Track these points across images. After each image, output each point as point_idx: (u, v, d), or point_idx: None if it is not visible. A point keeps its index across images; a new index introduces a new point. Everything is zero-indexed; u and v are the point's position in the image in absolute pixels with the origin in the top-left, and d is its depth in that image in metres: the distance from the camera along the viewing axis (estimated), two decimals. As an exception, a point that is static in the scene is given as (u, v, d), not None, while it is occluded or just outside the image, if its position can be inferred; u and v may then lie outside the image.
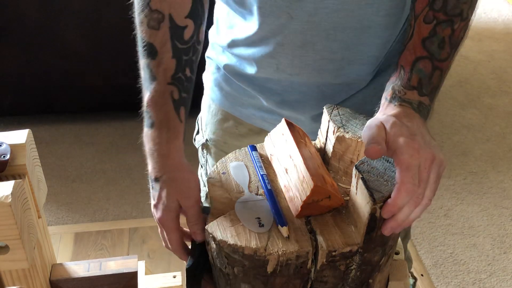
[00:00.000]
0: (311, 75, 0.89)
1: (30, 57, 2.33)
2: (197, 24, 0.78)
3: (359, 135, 0.72)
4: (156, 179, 0.73)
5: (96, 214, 2.10)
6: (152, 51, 0.75)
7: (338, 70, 0.88)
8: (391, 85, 0.73)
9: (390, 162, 0.66)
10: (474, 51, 3.35)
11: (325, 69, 0.88)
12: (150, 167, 0.75)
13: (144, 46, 0.76)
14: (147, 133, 0.76)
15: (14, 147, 0.83)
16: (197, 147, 1.12)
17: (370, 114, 0.75)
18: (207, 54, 1.04)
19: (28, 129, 0.88)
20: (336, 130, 0.74)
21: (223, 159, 0.77)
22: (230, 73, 0.97)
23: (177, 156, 0.73)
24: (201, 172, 1.16)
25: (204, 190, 1.11)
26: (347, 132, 0.73)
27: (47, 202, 1.97)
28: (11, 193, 0.75)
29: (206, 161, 1.12)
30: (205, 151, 1.11)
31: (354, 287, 0.69)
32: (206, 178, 1.12)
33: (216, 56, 0.99)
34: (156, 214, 0.73)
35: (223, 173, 0.74)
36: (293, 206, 0.68)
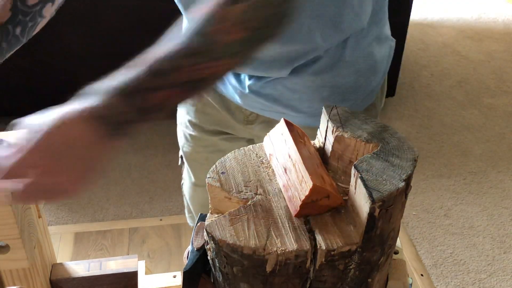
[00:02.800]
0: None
1: (31, 58, 2.33)
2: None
3: (358, 135, 0.73)
4: None
5: (96, 214, 2.10)
6: None
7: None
8: None
9: (389, 162, 0.67)
10: (474, 51, 3.35)
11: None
12: None
13: None
14: None
15: (14, 147, 0.83)
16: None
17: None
18: None
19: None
20: (335, 129, 0.74)
21: (222, 158, 0.77)
22: None
23: None
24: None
25: (180, 152, 1.20)
26: (346, 132, 0.73)
27: (47, 202, 1.97)
28: (12, 193, 0.75)
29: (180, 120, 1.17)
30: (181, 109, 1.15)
31: (353, 286, 0.69)
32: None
33: None
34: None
35: (222, 173, 0.74)
36: (292, 205, 0.68)
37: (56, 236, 1.98)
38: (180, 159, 1.22)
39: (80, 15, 2.26)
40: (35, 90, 2.43)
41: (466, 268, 1.91)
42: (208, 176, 0.74)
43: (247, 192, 0.71)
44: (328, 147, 0.76)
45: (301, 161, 0.68)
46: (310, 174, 0.66)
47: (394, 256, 0.80)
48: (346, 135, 0.73)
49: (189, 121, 1.11)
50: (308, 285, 0.67)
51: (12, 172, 0.58)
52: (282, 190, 0.71)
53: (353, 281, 0.68)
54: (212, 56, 0.61)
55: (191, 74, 0.61)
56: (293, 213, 0.67)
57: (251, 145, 0.79)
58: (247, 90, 0.96)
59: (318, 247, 0.63)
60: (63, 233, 2.01)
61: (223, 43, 0.61)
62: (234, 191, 0.71)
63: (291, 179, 0.69)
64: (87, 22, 2.28)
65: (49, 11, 0.81)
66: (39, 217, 0.91)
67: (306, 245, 0.63)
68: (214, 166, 0.75)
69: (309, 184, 0.65)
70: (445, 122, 2.72)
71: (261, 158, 0.77)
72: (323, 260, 0.63)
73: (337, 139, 0.73)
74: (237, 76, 0.96)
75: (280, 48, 0.88)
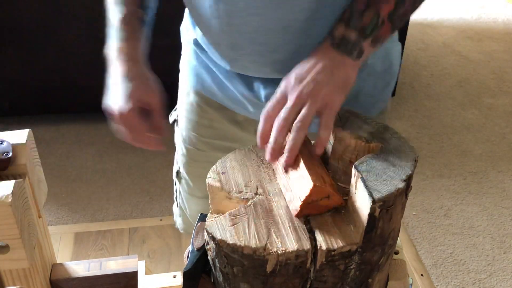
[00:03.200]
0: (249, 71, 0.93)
1: (31, 57, 2.33)
2: None
3: (359, 135, 0.73)
4: (125, 76, 0.83)
5: (96, 214, 2.10)
6: None
7: (273, 72, 0.89)
8: None
9: (389, 162, 0.67)
10: (474, 51, 3.35)
11: (260, 71, 0.90)
12: (117, 68, 0.84)
13: None
14: (119, 45, 0.85)
15: (14, 147, 0.84)
16: (170, 122, 1.16)
17: None
18: (181, 27, 1.07)
19: (28, 129, 0.88)
20: (335, 130, 0.74)
21: (222, 158, 0.77)
22: (197, 47, 1.00)
23: (144, 64, 0.87)
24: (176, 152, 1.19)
25: (175, 167, 1.19)
26: (347, 132, 0.73)
27: (47, 202, 1.97)
28: (12, 193, 0.75)
29: (177, 138, 1.15)
30: (177, 128, 1.14)
31: (354, 286, 0.69)
32: (176, 156, 1.15)
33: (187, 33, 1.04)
34: (116, 106, 0.82)
35: (222, 172, 0.74)
36: (293, 206, 0.68)
37: (56, 236, 1.98)
38: (175, 174, 1.19)
39: (80, 15, 2.26)
40: (35, 90, 2.43)
41: (466, 268, 1.91)
42: (208, 176, 0.74)
43: (247, 192, 0.71)
44: (329, 147, 0.76)
45: (301, 161, 0.68)
46: (310, 174, 0.66)
47: (394, 256, 0.80)
48: (346, 135, 0.73)
49: (196, 137, 1.09)
50: (308, 285, 0.67)
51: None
52: (283, 190, 0.71)
53: (353, 281, 0.68)
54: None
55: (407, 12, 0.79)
56: (294, 213, 0.67)
57: (251, 145, 0.79)
58: (263, 100, 0.94)
59: (319, 247, 0.63)
60: (63, 233, 2.01)
61: None
62: (235, 191, 0.71)
63: (292, 179, 0.69)
64: (87, 22, 2.28)
65: None
66: (39, 217, 0.91)
67: (307, 245, 0.63)
68: (214, 166, 0.75)
69: (309, 184, 0.65)
70: (445, 122, 2.72)
71: (261, 158, 0.77)
72: (324, 260, 0.63)
73: (338, 139, 0.73)
74: (249, 86, 0.95)
75: (304, 43, 0.87)
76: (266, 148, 0.73)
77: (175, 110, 1.15)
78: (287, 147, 0.71)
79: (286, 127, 0.71)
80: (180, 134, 1.12)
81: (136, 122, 0.83)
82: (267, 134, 0.72)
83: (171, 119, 1.16)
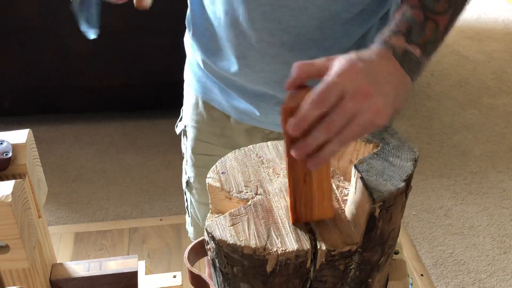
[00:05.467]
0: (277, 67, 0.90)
1: (31, 58, 2.33)
2: None
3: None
4: None
5: (96, 214, 2.10)
6: None
7: (277, 55, 0.88)
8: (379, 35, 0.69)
9: (389, 162, 0.66)
10: (474, 51, 3.35)
11: (266, 53, 0.89)
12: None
13: None
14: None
15: (14, 147, 0.84)
16: (177, 133, 1.16)
17: None
18: (184, 39, 1.07)
19: (28, 129, 0.88)
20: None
21: (222, 158, 0.77)
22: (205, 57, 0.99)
23: None
24: (183, 162, 1.18)
25: (185, 177, 1.17)
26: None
27: (47, 202, 1.97)
28: (12, 193, 0.75)
29: (186, 148, 1.14)
30: (184, 138, 1.13)
31: (354, 286, 0.69)
32: (187, 167, 1.14)
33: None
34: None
35: (222, 172, 0.74)
36: (288, 213, 0.68)
37: (56, 236, 1.98)
38: (185, 185, 1.19)
39: (80, 15, 2.25)
40: (35, 90, 2.43)
41: (466, 268, 1.91)
42: (208, 176, 0.74)
43: (247, 192, 0.71)
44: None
45: (288, 192, 0.67)
46: (292, 209, 0.66)
47: (394, 256, 0.80)
48: (346, 135, 0.73)
49: (207, 146, 1.09)
50: (308, 285, 0.67)
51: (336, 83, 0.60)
52: (283, 189, 0.71)
53: (353, 281, 0.68)
54: None
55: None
56: (290, 219, 0.68)
57: (251, 145, 0.79)
58: (257, 114, 0.95)
59: (319, 247, 0.63)
60: (63, 233, 2.01)
61: None
62: (235, 191, 0.71)
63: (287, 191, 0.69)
64: (87, 22, 2.28)
65: None
66: (39, 217, 0.91)
67: (307, 245, 0.63)
68: (214, 166, 0.75)
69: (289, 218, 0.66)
70: (445, 122, 2.72)
71: (261, 158, 0.77)
72: (324, 260, 0.63)
73: (338, 139, 0.73)
74: (250, 99, 0.96)
75: (315, 29, 0.86)
76: (295, 144, 0.61)
77: (180, 121, 1.15)
78: (321, 154, 0.60)
79: (332, 131, 0.60)
80: (189, 144, 1.12)
81: None
82: (308, 120, 0.59)
83: (177, 130, 1.16)
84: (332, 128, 0.59)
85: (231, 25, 0.89)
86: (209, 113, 1.05)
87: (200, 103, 1.06)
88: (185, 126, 1.12)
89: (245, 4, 0.84)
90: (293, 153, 0.61)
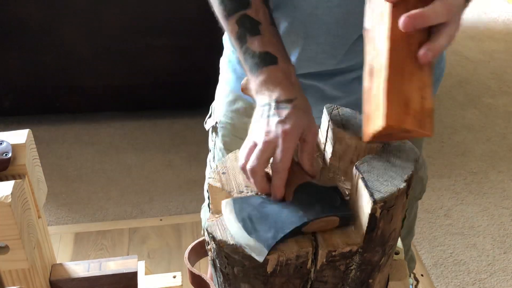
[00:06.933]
0: (311, 68, 0.91)
1: (31, 58, 2.33)
2: None
3: (360, 135, 0.72)
4: (289, 100, 0.73)
5: (96, 214, 2.10)
6: (244, 2, 0.78)
7: (338, 64, 0.89)
8: None
9: (390, 162, 0.66)
10: (474, 51, 3.35)
11: (325, 63, 0.90)
12: (274, 93, 0.74)
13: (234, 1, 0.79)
14: (272, 69, 0.75)
15: (14, 147, 0.83)
16: (206, 129, 1.16)
17: None
18: (224, 37, 1.07)
19: (28, 129, 0.88)
20: (336, 130, 0.74)
21: (223, 159, 0.77)
22: None
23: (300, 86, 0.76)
24: (209, 157, 1.17)
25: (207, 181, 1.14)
26: (347, 132, 0.73)
27: (47, 202, 1.97)
28: (11, 193, 0.75)
29: (214, 144, 1.15)
30: (214, 134, 1.14)
31: (354, 287, 0.69)
32: (213, 163, 1.15)
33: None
34: (282, 127, 0.70)
35: (223, 173, 0.74)
36: (365, 128, 0.62)
37: (56, 236, 1.98)
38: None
39: (80, 14, 2.25)
40: (35, 90, 2.42)
41: (466, 268, 1.91)
42: (208, 176, 0.74)
43: (248, 193, 0.71)
44: (329, 147, 0.75)
45: (387, 70, 0.56)
46: (388, 100, 0.56)
47: (395, 257, 0.80)
48: (347, 136, 0.73)
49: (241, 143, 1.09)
50: (309, 286, 0.66)
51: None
52: (363, 91, 0.62)
53: (354, 282, 0.67)
54: None
55: None
56: (364, 138, 0.63)
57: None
58: None
59: (319, 247, 0.63)
60: (63, 233, 2.01)
61: None
62: (235, 191, 0.71)
63: (373, 89, 0.60)
64: (88, 22, 2.28)
65: None
66: (39, 217, 0.91)
67: (307, 246, 0.63)
68: (214, 166, 0.75)
69: (382, 121, 0.57)
70: (445, 122, 2.72)
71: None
72: (324, 260, 0.63)
73: (338, 140, 0.73)
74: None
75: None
76: (411, 13, 0.56)
77: (210, 117, 1.15)
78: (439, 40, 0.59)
79: (451, 14, 0.60)
80: (221, 141, 1.12)
81: (293, 143, 0.70)
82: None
83: (207, 126, 1.17)
84: (452, 9, 0.57)
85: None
86: (248, 108, 1.05)
87: (240, 100, 1.05)
88: (216, 123, 1.12)
89: (309, 23, 0.86)
90: (405, 21, 0.55)
